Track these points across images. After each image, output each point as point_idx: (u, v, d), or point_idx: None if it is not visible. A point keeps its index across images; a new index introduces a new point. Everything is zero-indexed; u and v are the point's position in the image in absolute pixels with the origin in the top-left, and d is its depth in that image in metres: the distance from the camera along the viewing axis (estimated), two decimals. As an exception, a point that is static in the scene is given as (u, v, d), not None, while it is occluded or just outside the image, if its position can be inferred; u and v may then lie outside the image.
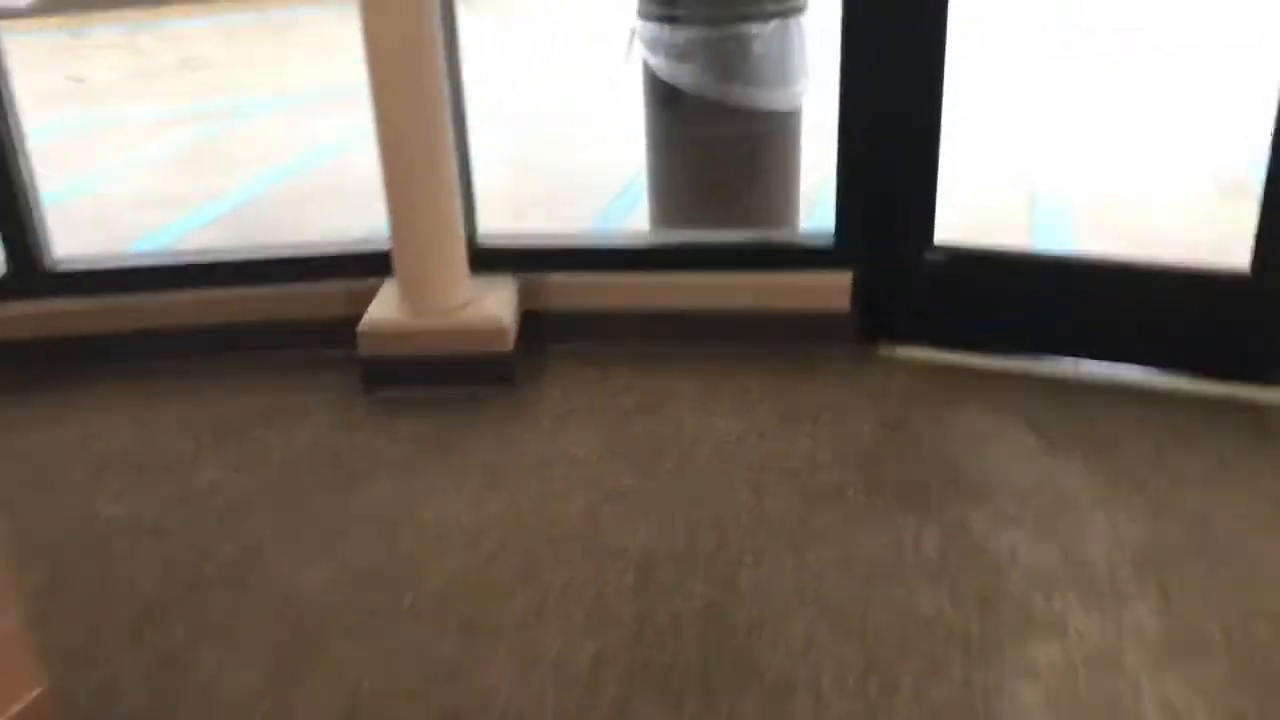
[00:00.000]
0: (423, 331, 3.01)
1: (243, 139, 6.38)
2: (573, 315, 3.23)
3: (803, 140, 3.49)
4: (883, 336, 3.11)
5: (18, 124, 3.10)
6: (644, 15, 3.35)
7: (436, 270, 3.01)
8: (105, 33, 9.34)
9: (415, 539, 2.47)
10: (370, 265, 3.15)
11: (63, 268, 3.23)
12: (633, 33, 3.41)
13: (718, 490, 2.57)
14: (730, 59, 3.31)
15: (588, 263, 3.25)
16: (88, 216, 4.97)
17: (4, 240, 3.14)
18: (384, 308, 3.07)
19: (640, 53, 3.40)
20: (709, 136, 3.39)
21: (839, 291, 3.10)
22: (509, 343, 3.02)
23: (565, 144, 5.75)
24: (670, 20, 3.29)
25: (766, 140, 3.42)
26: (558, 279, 3.23)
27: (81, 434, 2.94)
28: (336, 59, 5.78)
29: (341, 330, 3.06)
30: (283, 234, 4.63)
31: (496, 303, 3.07)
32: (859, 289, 3.08)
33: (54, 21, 9.58)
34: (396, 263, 3.04)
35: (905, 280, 3.05)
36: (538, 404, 2.97)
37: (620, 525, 2.47)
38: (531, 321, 3.19)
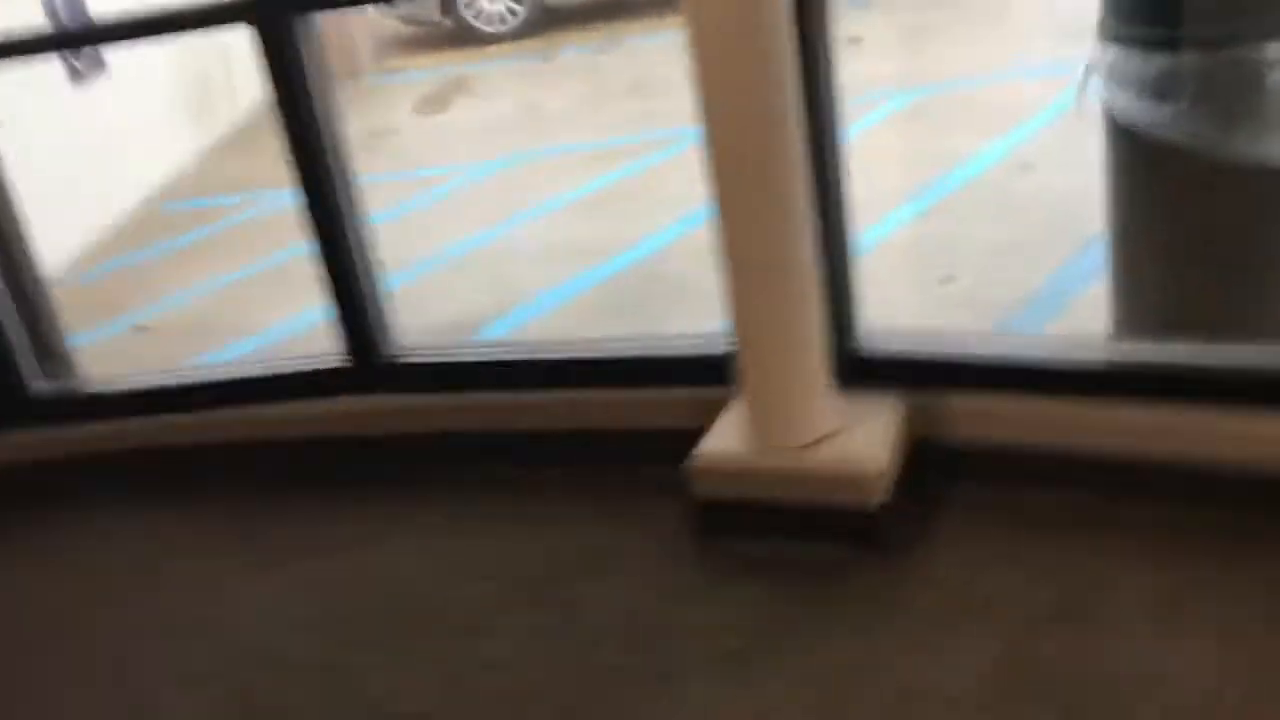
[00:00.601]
0: (767, 472, 2.32)
1: (671, 173, 6.00)
2: (982, 451, 2.39)
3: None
4: None
5: (362, 213, 2.78)
6: (1106, 38, 2.43)
7: (787, 389, 2.30)
8: (572, 55, 9.46)
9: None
10: (722, 371, 2.51)
11: (397, 360, 2.88)
12: (1088, 68, 2.49)
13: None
14: (1234, 95, 2.30)
15: (1008, 381, 2.37)
16: (490, 271, 4.76)
17: (344, 329, 2.85)
18: (724, 435, 2.41)
19: (1099, 90, 2.48)
20: (1200, 206, 2.39)
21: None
22: (879, 495, 2.25)
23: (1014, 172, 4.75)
24: (1144, 44, 2.34)
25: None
26: (964, 400, 2.40)
27: (376, 567, 2.55)
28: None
29: (684, 445, 2.45)
30: (685, 294, 4.11)
31: (870, 436, 2.31)
32: None
33: (527, 46, 9.87)
34: (740, 376, 2.37)
35: None
36: (915, 584, 2.17)
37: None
38: (924, 454, 2.40)
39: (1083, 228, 3.59)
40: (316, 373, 2.91)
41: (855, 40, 7.97)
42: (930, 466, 2.39)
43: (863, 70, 6.93)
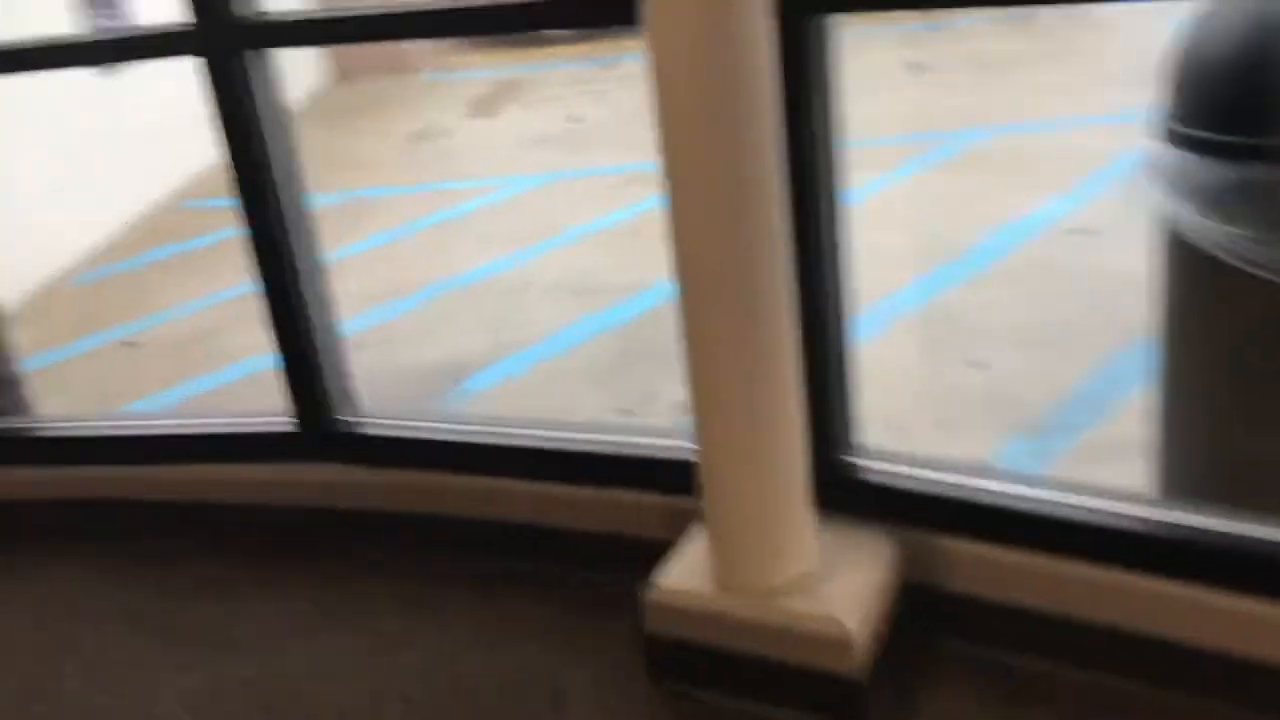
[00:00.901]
0: (728, 618, 2.00)
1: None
2: (984, 608, 2.06)
3: None
4: None
5: (318, 262, 2.50)
6: (1165, 136, 2.07)
7: (756, 518, 1.97)
8: (632, 63, 9.15)
9: None
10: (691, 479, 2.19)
11: (349, 429, 2.61)
12: (1147, 161, 2.14)
13: None
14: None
15: (1023, 532, 2.02)
16: (495, 306, 4.46)
17: (292, 393, 2.58)
18: (687, 564, 2.10)
19: (1156, 191, 2.13)
20: (1272, 349, 2.03)
21: None
22: (854, 661, 1.92)
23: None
24: (1207, 148, 1.98)
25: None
26: (969, 548, 2.06)
27: (292, 676, 2.27)
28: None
29: (656, 557, 2.14)
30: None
31: (853, 584, 1.98)
32: None
33: (589, 50, 9.59)
34: (703, 496, 2.06)
35: None
36: (886, 772, 1.85)
37: None
38: (916, 604, 2.07)
39: (1138, 314, 3.23)
40: (261, 435, 2.66)
41: (918, 66, 7.55)
42: (922, 619, 2.07)
43: (918, 104, 6.54)
